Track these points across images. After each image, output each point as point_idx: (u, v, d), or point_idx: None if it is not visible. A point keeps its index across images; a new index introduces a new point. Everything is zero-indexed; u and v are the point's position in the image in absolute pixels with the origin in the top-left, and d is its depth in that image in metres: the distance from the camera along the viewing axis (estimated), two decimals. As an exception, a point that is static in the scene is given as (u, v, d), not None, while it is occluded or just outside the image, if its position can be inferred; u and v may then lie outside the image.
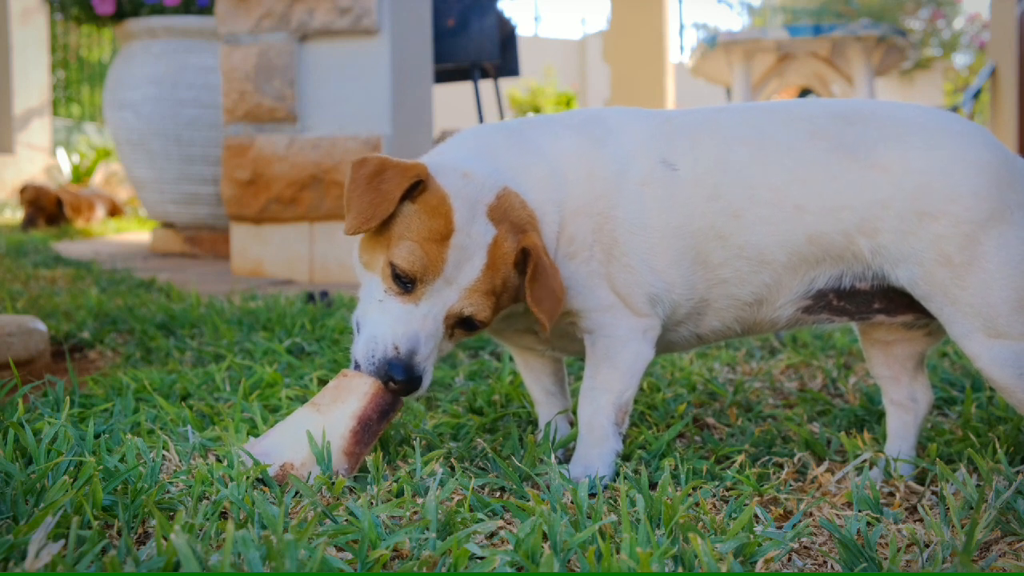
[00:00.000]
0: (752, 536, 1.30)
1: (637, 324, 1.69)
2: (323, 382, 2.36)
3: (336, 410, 1.56)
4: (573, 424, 1.94)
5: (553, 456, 1.70)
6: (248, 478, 1.48)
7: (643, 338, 1.70)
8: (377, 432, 1.56)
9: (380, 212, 1.53)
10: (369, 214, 1.53)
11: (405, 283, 1.55)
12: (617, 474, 1.65)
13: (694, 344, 1.82)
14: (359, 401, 1.55)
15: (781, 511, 1.53)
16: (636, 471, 1.64)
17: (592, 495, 1.55)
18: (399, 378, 1.53)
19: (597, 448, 1.67)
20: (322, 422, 1.56)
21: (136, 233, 8.73)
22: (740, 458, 1.71)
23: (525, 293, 1.58)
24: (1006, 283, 1.53)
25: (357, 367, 1.58)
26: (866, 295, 1.67)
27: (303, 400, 2.14)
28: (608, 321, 1.69)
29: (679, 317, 1.73)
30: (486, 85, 6.98)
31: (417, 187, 1.56)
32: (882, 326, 1.78)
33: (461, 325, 1.60)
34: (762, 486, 1.60)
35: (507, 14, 6.60)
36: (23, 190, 8.67)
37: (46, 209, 8.57)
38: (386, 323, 1.55)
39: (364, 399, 1.55)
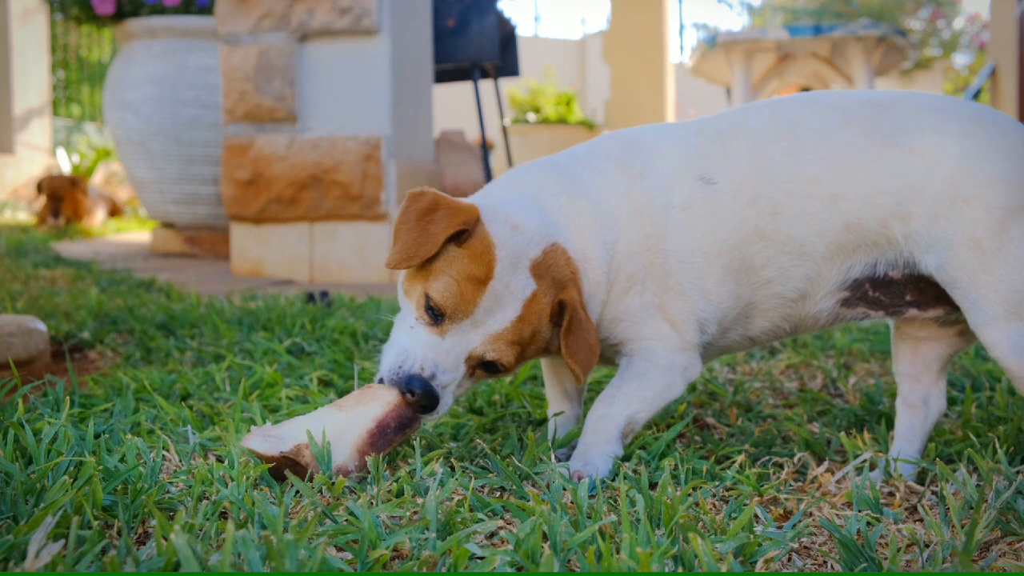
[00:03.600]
0: (752, 536, 1.29)
1: (680, 360, 1.72)
2: (323, 382, 2.37)
3: (358, 410, 1.59)
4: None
5: (553, 456, 1.70)
6: (248, 478, 1.48)
7: (681, 375, 1.73)
8: (392, 442, 1.58)
9: (422, 252, 1.56)
10: (412, 252, 1.57)
11: (435, 315, 1.58)
12: (616, 474, 1.65)
13: (747, 346, 1.85)
14: (381, 408, 1.58)
15: (781, 511, 1.53)
16: (636, 471, 1.64)
17: (592, 496, 1.55)
18: (417, 390, 1.56)
19: (599, 448, 1.68)
20: (343, 418, 1.59)
21: (136, 233, 8.73)
22: (740, 458, 1.71)
23: (560, 344, 1.62)
24: None
25: (381, 383, 1.61)
26: (899, 285, 1.68)
27: (303, 400, 2.14)
28: (655, 349, 1.72)
29: (727, 324, 1.76)
30: (486, 85, 6.97)
31: (464, 232, 1.59)
32: (915, 321, 1.78)
33: (483, 367, 1.63)
34: (762, 486, 1.60)
35: (507, 14, 6.60)
36: (40, 184, 8.48)
37: (65, 199, 8.38)
38: (415, 345, 1.59)
39: (386, 407, 1.58)
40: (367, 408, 1.58)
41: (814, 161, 1.65)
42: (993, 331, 1.57)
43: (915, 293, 1.69)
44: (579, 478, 1.61)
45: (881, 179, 1.61)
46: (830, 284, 1.70)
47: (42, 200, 8.48)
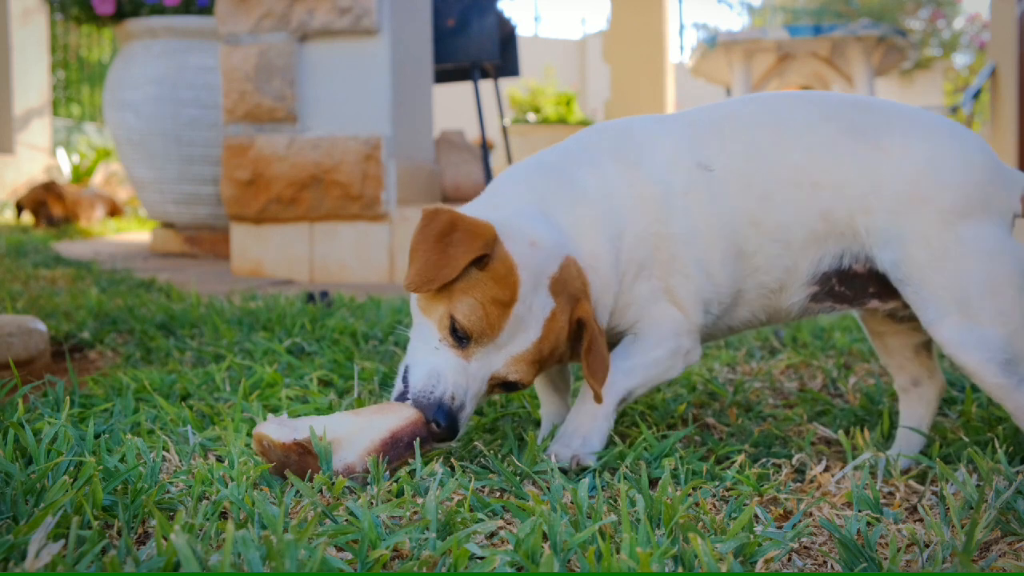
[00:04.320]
0: (752, 536, 1.29)
1: (685, 343, 1.77)
2: (323, 382, 2.36)
3: (375, 418, 1.60)
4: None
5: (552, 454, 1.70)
6: (248, 478, 1.48)
7: (682, 359, 1.78)
8: (400, 456, 1.58)
9: (443, 276, 1.55)
10: (432, 275, 1.55)
11: (460, 338, 1.58)
12: (605, 460, 1.65)
13: (726, 334, 1.90)
14: (399, 421, 1.58)
15: (781, 511, 1.53)
16: (636, 471, 1.64)
17: (592, 496, 1.55)
18: (443, 424, 1.57)
19: (596, 423, 1.71)
20: (359, 422, 1.59)
21: (136, 233, 8.73)
22: (740, 458, 1.71)
23: (581, 361, 1.65)
24: (979, 268, 1.62)
25: (402, 398, 1.61)
26: (863, 279, 1.74)
27: (303, 400, 2.14)
28: (663, 330, 1.76)
29: (721, 309, 1.80)
30: (486, 85, 6.97)
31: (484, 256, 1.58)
32: (875, 317, 1.88)
33: (502, 385, 1.65)
34: (762, 486, 1.60)
35: (507, 14, 6.59)
36: (19, 204, 8.45)
37: (48, 203, 8.40)
38: (446, 369, 1.59)
39: (403, 421, 1.58)
40: (384, 419, 1.59)
41: (798, 149, 1.71)
42: (943, 328, 1.63)
43: (877, 285, 1.75)
44: (578, 463, 1.65)
45: (852, 171, 1.68)
46: (804, 276, 1.75)
47: (28, 214, 8.49)
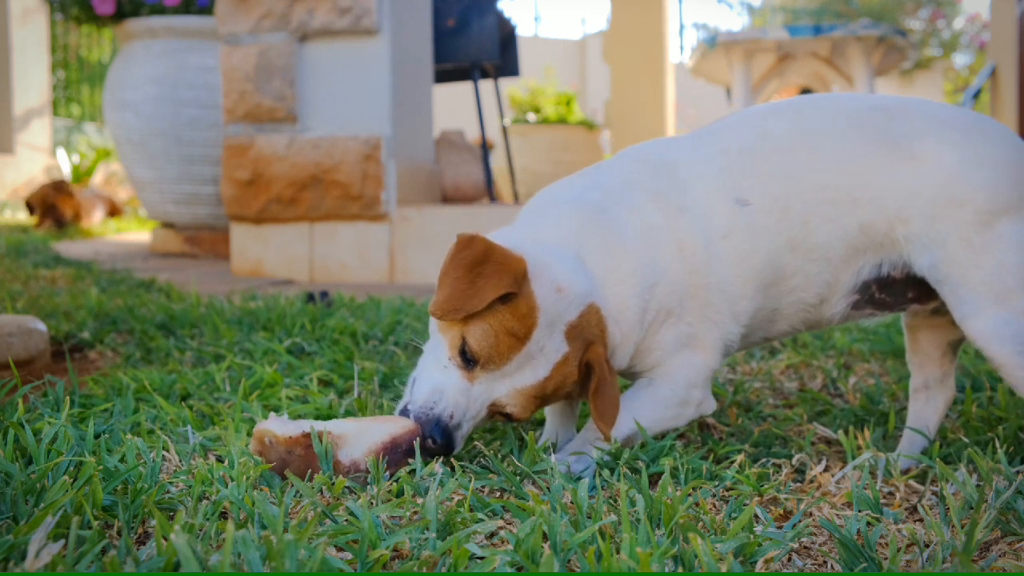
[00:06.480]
0: (752, 536, 1.29)
1: (697, 395, 1.78)
2: (323, 382, 2.36)
3: (376, 424, 1.62)
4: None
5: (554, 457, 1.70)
6: (248, 478, 1.48)
7: (695, 408, 1.80)
8: (397, 462, 1.59)
9: (469, 307, 1.56)
10: (458, 304, 1.56)
11: (468, 360, 1.60)
12: (611, 461, 1.65)
13: (762, 343, 1.92)
14: (399, 429, 1.61)
15: (781, 511, 1.53)
16: (636, 471, 1.64)
17: (592, 496, 1.55)
18: (439, 440, 1.59)
19: (595, 445, 1.71)
20: (360, 426, 1.61)
21: (136, 233, 8.73)
22: (740, 458, 1.71)
23: (589, 402, 1.66)
24: (1018, 262, 1.65)
25: (404, 414, 1.63)
26: (901, 284, 1.77)
27: (303, 400, 2.14)
28: (679, 379, 1.77)
29: (748, 330, 1.81)
30: (486, 85, 6.97)
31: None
32: (916, 313, 1.88)
33: (500, 413, 1.66)
34: (762, 486, 1.60)
35: (507, 14, 6.59)
36: (29, 203, 8.43)
37: (58, 204, 8.40)
38: (450, 387, 1.61)
39: (402, 430, 1.60)
40: (385, 425, 1.61)
41: (834, 169, 1.72)
42: (979, 321, 1.66)
43: (916, 290, 1.78)
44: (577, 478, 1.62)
45: (889, 184, 1.70)
46: (844, 287, 1.77)
47: (35, 214, 8.46)
